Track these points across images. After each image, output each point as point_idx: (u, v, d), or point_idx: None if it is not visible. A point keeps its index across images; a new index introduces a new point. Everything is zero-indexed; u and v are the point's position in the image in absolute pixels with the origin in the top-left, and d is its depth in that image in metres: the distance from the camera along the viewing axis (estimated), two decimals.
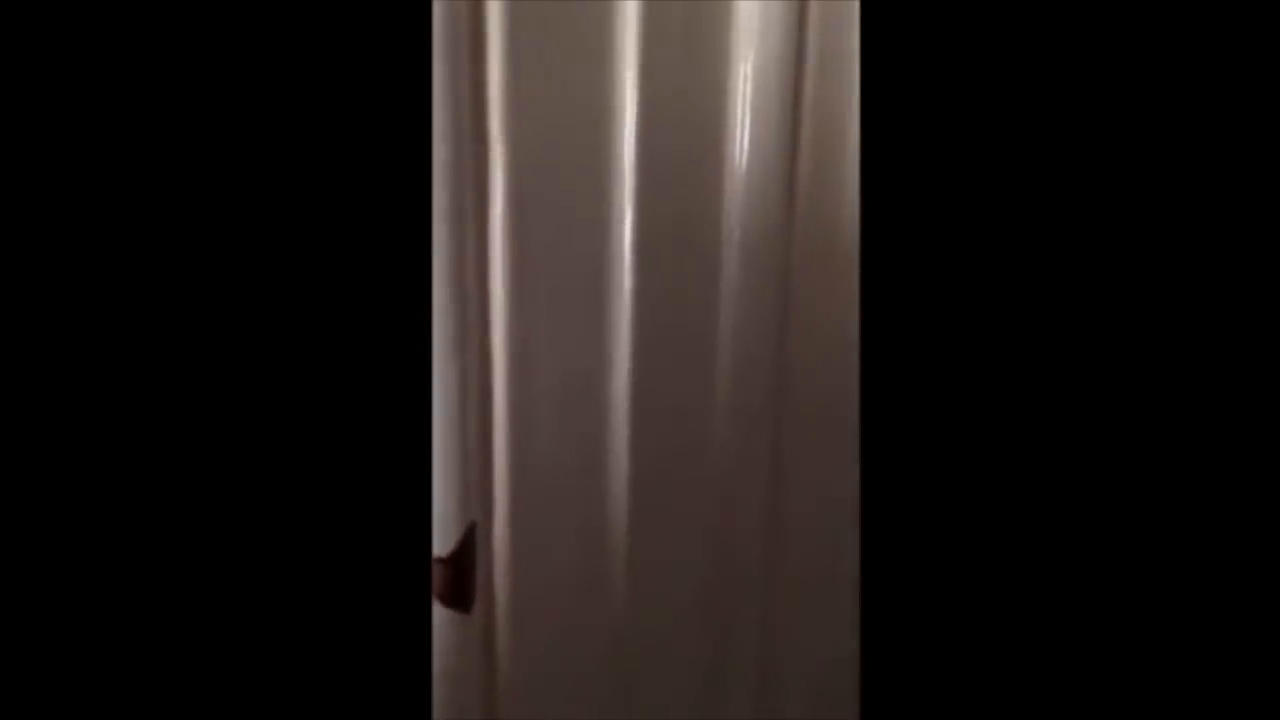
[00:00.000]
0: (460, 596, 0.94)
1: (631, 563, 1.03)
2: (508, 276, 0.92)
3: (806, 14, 0.92)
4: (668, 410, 1.01)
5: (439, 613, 0.94)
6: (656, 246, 0.95)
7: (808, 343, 1.01)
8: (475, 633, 0.97)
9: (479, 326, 0.91)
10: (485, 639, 0.99)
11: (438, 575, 0.93)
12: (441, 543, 0.91)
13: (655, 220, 0.94)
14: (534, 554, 1.00)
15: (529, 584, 1.00)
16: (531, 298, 0.93)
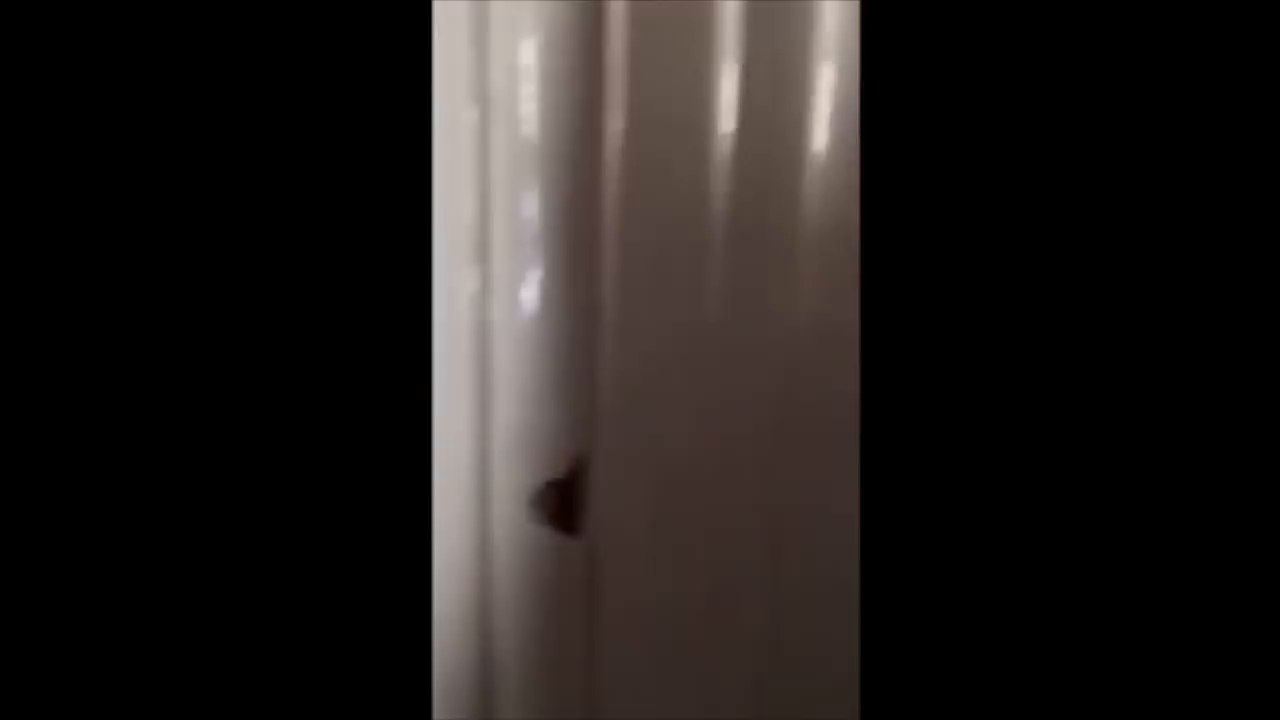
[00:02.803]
0: (567, 519, 1.04)
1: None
2: (618, 243, 0.99)
3: None
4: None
5: (546, 535, 1.04)
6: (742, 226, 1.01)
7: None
8: (579, 557, 1.07)
9: (588, 284, 1.01)
10: (589, 563, 1.09)
11: (548, 499, 1.04)
12: (552, 468, 1.02)
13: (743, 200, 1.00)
14: (640, 485, 1.07)
15: (634, 513, 1.08)
16: (636, 263, 1.01)
